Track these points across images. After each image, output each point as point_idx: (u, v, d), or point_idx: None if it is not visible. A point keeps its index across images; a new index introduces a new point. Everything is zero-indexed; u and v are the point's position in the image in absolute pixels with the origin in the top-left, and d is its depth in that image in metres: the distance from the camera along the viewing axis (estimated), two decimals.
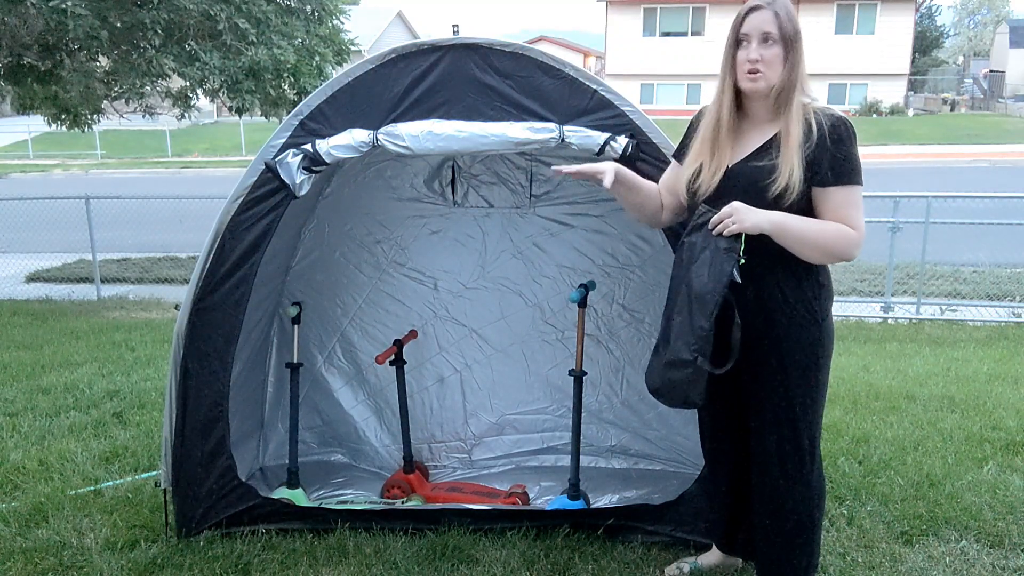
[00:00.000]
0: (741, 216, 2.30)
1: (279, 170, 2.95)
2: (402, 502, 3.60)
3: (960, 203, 8.66)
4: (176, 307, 3.13)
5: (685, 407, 2.50)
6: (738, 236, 2.32)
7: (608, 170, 2.52)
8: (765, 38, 2.35)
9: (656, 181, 2.74)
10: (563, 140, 2.85)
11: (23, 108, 9.45)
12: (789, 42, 2.36)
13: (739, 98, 2.47)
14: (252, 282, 3.07)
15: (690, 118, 2.68)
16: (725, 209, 2.32)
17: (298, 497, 3.53)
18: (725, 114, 2.45)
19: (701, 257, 2.34)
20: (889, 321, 8.17)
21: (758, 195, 2.37)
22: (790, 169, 2.33)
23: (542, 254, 3.92)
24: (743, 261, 2.32)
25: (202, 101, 9.72)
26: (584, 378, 3.49)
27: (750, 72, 2.37)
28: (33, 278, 10.60)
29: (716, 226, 2.33)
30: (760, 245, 2.35)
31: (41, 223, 10.46)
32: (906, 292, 8.66)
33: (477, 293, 4.01)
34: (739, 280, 2.34)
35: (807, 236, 2.36)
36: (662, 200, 2.68)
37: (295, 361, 3.70)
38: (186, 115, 9.42)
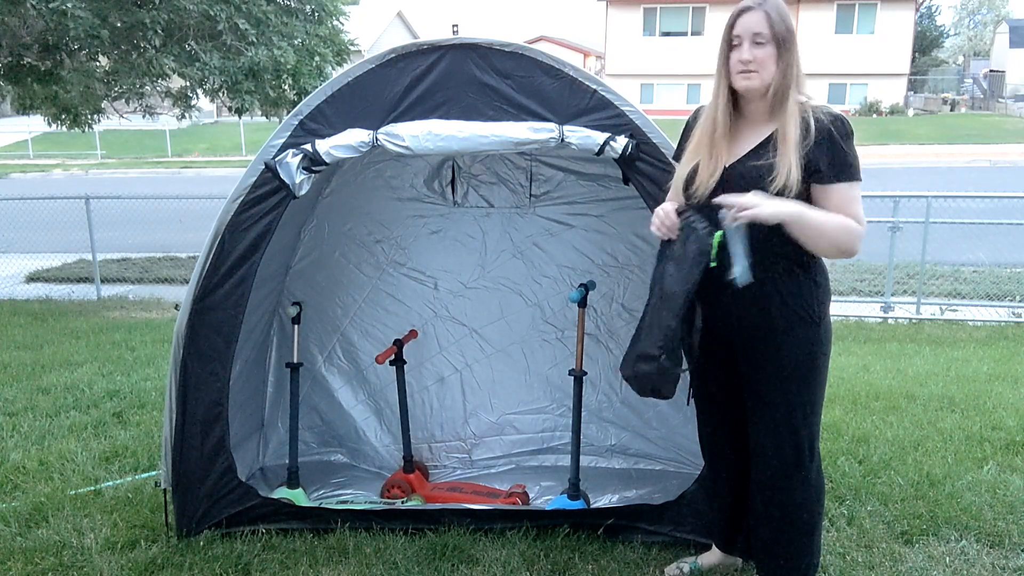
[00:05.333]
0: (760, 208, 2.28)
1: (279, 170, 2.95)
2: (402, 502, 3.60)
3: (960, 203, 8.65)
4: (176, 307, 3.13)
5: (655, 396, 2.57)
6: (713, 237, 2.36)
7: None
8: (756, 39, 2.36)
9: (654, 181, 2.74)
10: (563, 140, 2.85)
11: (23, 108, 9.46)
12: (781, 42, 2.36)
13: (736, 99, 2.47)
14: (252, 282, 3.07)
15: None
16: (746, 197, 2.30)
17: (298, 497, 3.53)
18: (720, 116, 2.46)
19: (677, 257, 2.41)
20: (889, 321, 8.16)
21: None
22: (788, 169, 2.34)
23: (542, 254, 3.92)
24: (714, 265, 2.37)
25: (202, 101, 9.72)
26: (584, 378, 3.49)
27: (743, 72, 2.38)
28: (33, 278, 10.60)
29: (736, 211, 2.29)
30: (757, 245, 2.36)
31: (41, 223, 10.45)
32: (906, 292, 8.65)
33: (477, 293, 4.01)
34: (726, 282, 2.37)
35: (822, 226, 2.36)
36: None
37: (295, 361, 3.70)
38: (186, 115, 9.44)
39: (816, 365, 2.50)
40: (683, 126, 2.66)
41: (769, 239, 2.36)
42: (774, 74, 2.37)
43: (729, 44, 2.41)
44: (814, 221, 2.35)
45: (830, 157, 2.36)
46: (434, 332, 4.05)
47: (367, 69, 2.96)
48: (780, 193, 2.35)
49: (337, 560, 3.09)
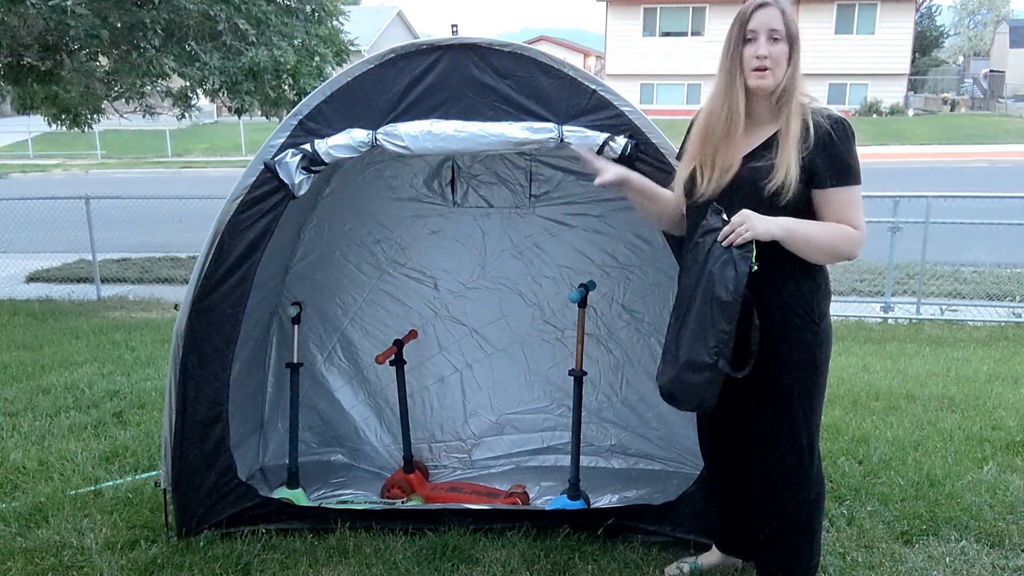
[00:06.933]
0: (753, 223, 2.30)
1: (278, 170, 2.95)
2: (402, 502, 3.60)
3: (960, 203, 8.66)
4: (176, 307, 3.13)
5: (699, 410, 2.50)
6: (749, 242, 2.32)
7: (608, 169, 2.57)
8: (773, 35, 2.35)
9: (655, 181, 2.74)
10: (562, 140, 2.85)
11: (23, 108, 9.46)
12: (793, 40, 2.37)
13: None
14: (251, 282, 3.07)
15: (689, 118, 2.68)
16: (735, 218, 2.32)
17: (298, 497, 3.53)
18: (741, 112, 2.41)
19: (722, 259, 2.32)
20: (889, 321, 8.16)
21: (756, 195, 2.37)
22: (786, 168, 2.34)
23: (542, 254, 3.92)
24: (756, 267, 2.31)
25: (202, 101, 9.72)
26: (584, 378, 3.49)
27: (758, 69, 2.36)
28: (33, 278, 10.60)
29: (727, 236, 2.31)
30: (758, 247, 2.35)
31: (41, 223, 10.45)
32: (906, 292, 8.66)
33: (477, 293, 4.01)
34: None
35: (815, 239, 2.37)
36: (682, 209, 2.66)
37: (295, 361, 3.70)
38: (186, 115, 9.42)
39: (816, 365, 2.50)
40: (683, 126, 2.66)
41: (769, 241, 2.36)
42: (785, 73, 2.37)
43: (743, 39, 2.38)
44: (805, 235, 2.36)
45: (830, 161, 2.36)
46: (434, 332, 4.05)
47: (366, 69, 2.96)
48: (778, 192, 2.35)
49: (337, 560, 3.09)
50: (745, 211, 2.33)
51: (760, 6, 2.36)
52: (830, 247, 2.40)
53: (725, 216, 2.35)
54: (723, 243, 2.32)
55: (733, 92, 2.41)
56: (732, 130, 2.43)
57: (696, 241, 2.42)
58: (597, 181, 2.59)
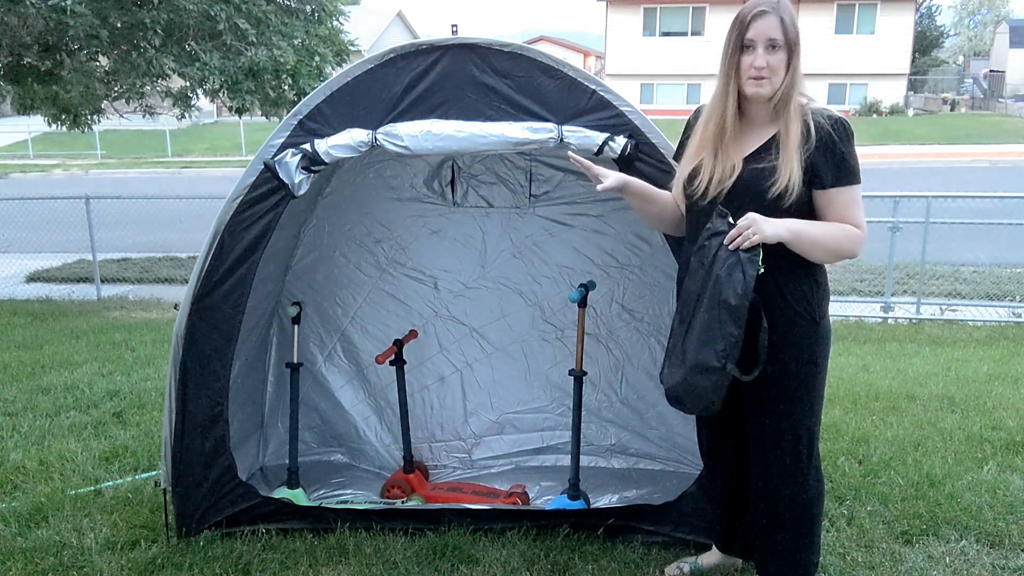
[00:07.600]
0: (760, 227, 2.30)
1: (278, 170, 2.95)
2: (402, 502, 3.61)
3: (960, 203, 8.66)
4: (176, 307, 3.13)
5: (704, 413, 2.49)
6: (756, 245, 2.32)
7: (607, 175, 2.56)
8: (771, 44, 2.33)
9: (653, 181, 2.74)
10: (562, 140, 2.85)
11: (23, 108, 9.47)
12: (792, 47, 2.35)
13: (739, 101, 2.46)
14: (251, 282, 3.07)
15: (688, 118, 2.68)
16: (742, 222, 2.31)
17: (298, 497, 3.53)
18: (730, 119, 2.42)
19: (728, 262, 2.31)
20: (889, 321, 8.16)
21: (758, 197, 2.37)
22: (790, 170, 2.34)
23: (542, 254, 3.92)
24: (763, 270, 2.31)
25: (202, 101, 9.72)
26: (584, 377, 3.49)
27: (755, 78, 2.35)
28: (33, 278, 10.61)
29: (733, 240, 2.30)
30: (764, 249, 2.34)
31: (41, 223, 10.46)
32: (906, 292, 8.66)
33: (477, 292, 4.01)
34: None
35: (820, 240, 2.38)
36: (681, 210, 2.66)
37: (295, 361, 3.70)
38: (186, 115, 9.43)
39: (816, 364, 2.50)
40: (683, 126, 2.66)
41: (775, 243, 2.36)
42: (783, 79, 2.36)
43: (740, 47, 2.36)
44: (812, 237, 2.37)
45: (831, 162, 2.36)
46: (434, 332, 4.05)
47: (366, 69, 2.96)
48: (781, 195, 2.35)
49: (337, 560, 3.09)
50: (751, 214, 2.32)
51: (758, 14, 2.33)
52: (835, 247, 2.41)
53: (731, 219, 2.35)
54: (730, 246, 2.32)
55: (727, 99, 2.42)
56: (725, 136, 2.44)
57: (701, 244, 2.41)
58: (598, 187, 2.58)
